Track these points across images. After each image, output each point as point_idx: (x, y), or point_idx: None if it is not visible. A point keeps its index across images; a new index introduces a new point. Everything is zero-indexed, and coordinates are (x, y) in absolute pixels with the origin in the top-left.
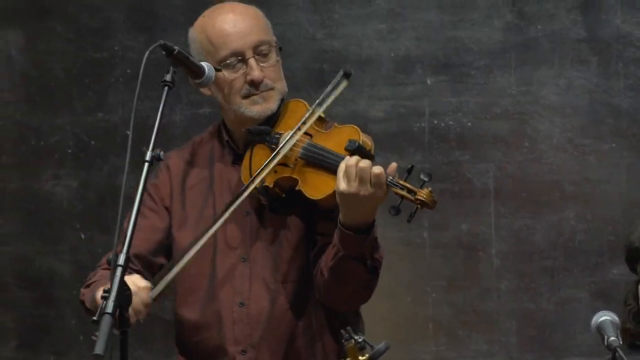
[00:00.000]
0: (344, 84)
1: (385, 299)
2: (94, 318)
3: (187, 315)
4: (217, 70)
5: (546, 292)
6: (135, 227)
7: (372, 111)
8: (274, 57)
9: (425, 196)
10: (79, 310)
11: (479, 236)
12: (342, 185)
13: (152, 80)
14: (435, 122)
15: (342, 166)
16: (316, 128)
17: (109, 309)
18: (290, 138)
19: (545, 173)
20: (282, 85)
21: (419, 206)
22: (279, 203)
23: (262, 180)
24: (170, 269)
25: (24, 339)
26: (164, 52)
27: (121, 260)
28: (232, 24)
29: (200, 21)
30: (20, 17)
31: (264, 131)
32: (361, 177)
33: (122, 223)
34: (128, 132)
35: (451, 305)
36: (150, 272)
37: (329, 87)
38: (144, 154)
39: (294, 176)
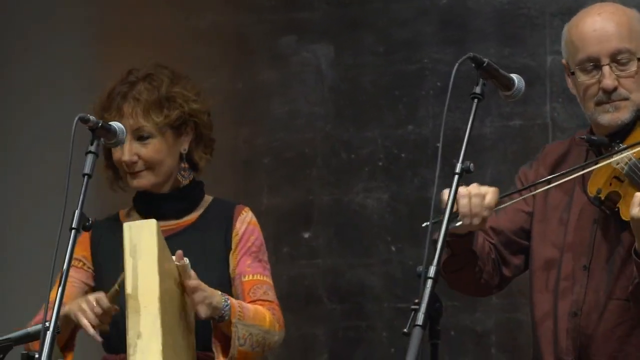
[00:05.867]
0: None
1: None
2: (405, 330)
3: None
4: (571, 73)
5: None
6: (444, 244)
7: None
8: (634, 67)
9: None
10: (390, 323)
11: None
12: (635, 210)
13: (462, 92)
14: None
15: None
16: None
17: (420, 321)
18: (619, 150)
19: None
20: (639, 97)
21: None
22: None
23: (599, 191)
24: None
25: (335, 352)
26: (473, 65)
27: (431, 272)
28: (593, 28)
29: (574, 19)
30: (331, 31)
31: (601, 142)
32: None
33: (432, 235)
34: (438, 145)
35: None
36: (508, 250)
37: None
38: (454, 166)
39: (620, 192)
